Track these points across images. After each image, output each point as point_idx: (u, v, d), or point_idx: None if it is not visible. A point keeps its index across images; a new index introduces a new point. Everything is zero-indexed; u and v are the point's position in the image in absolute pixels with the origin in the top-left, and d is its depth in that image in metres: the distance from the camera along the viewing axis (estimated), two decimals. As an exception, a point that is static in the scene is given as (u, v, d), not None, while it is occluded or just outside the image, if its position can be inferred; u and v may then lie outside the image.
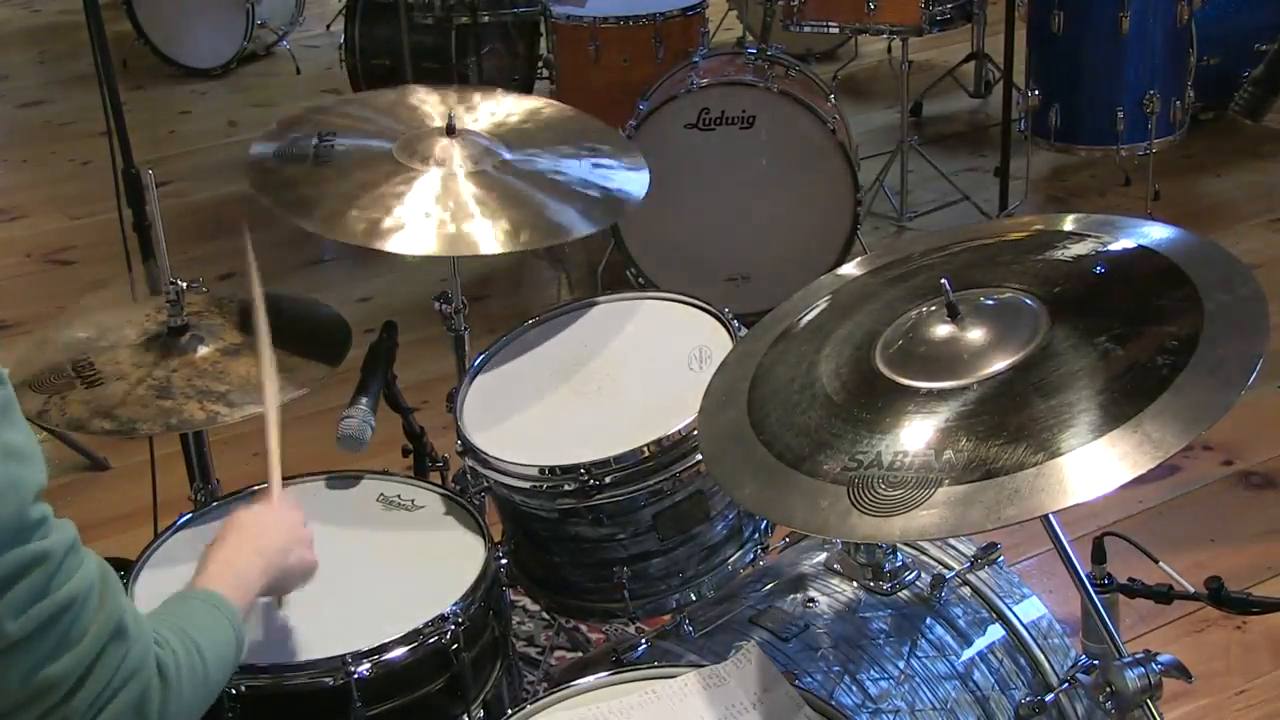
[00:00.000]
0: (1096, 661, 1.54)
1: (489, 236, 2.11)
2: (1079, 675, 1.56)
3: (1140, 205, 4.31)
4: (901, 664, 1.76)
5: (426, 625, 1.80)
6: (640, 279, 3.86)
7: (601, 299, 2.31)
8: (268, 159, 2.23)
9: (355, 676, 1.75)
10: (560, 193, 2.23)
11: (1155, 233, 1.59)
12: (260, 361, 1.86)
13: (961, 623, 1.82)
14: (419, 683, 1.82)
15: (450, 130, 2.27)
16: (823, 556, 1.93)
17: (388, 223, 2.10)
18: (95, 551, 1.27)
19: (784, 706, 1.56)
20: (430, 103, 2.43)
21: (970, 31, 5.26)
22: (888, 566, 1.85)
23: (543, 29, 4.93)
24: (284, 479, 2.07)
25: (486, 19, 4.65)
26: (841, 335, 1.62)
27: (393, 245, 2.07)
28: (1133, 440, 1.30)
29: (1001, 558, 1.91)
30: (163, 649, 1.30)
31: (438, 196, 2.16)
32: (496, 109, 2.43)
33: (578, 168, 2.30)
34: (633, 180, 2.32)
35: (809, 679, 1.70)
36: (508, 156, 2.28)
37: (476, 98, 2.46)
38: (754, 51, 3.93)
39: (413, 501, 2.07)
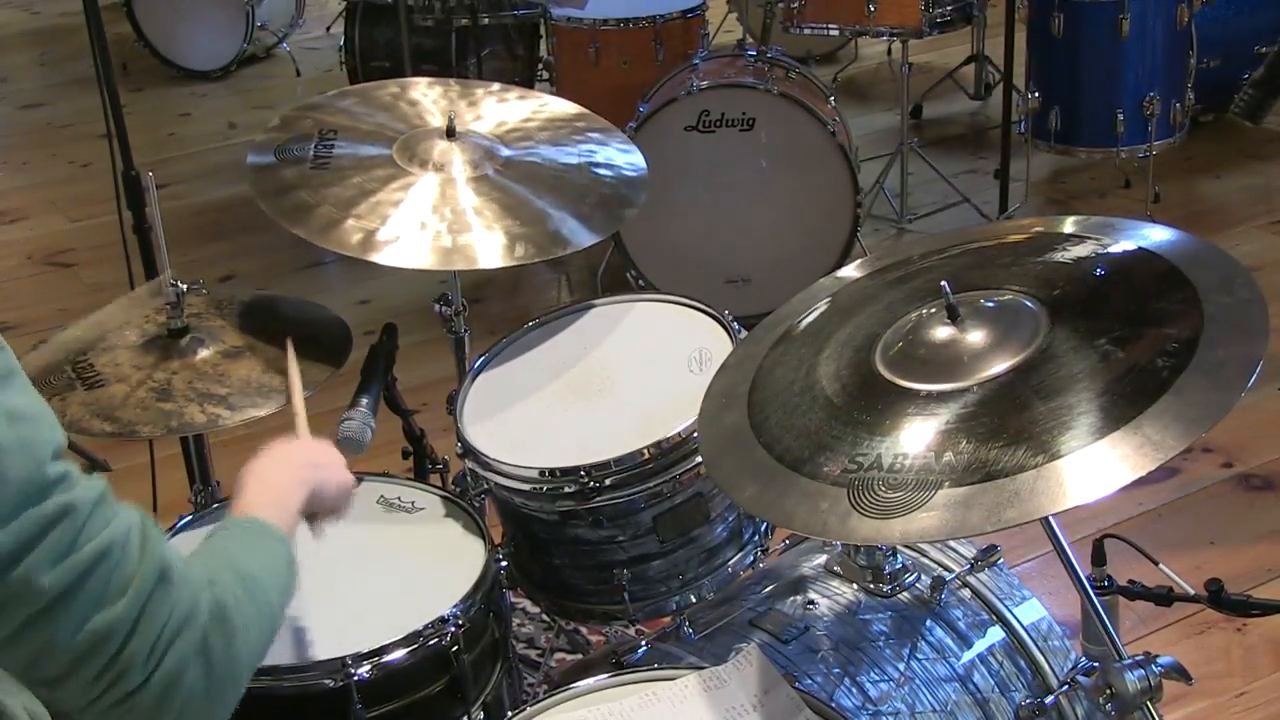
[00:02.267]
0: (1096, 664, 1.54)
1: (486, 250, 2.10)
2: (1079, 677, 1.56)
3: (1140, 207, 4.31)
4: (902, 666, 1.76)
5: (427, 627, 1.80)
6: (640, 281, 3.86)
7: (601, 301, 2.31)
8: (268, 159, 2.23)
9: (355, 678, 1.75)
10: (561, 198, 2.22)
11: (1155, 235, 1.59)
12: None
13: (962, 625, 1.82)
14: (419, 685, 1.82)
15: (450, 133, 2.27)
16: (823, 559, 1.93)
17: (384, 234, 2.08)
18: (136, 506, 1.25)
19: (784, 708, 1.56)
20: (431, 97, 2.42)
21: (970, 34, 5.26)
22: (888, 569, 1.85)
23: (543, 31, 4.93)
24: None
25: (486, 21, 4.65)
26: (841, 337, 1.62)
27: (388, 258, 2.06)
28: (1133, 442, 1.30)
29: (1001, 560, 1.91)
30: (220, 589, 1.27)
31: (435, 205, 2.15)
32: (498, 105, 2.42)
33: (578, 169, 2.30)
34: (633, 179, 2.32)
35: (809, 681, 1.70)
36: (508, 154, 2.28)
37: (479, 92, 2.45)
38: (754, 54, 3.94)
39: (413, 503, 2.07)
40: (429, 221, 2.12)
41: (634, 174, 2.34)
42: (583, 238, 2.18)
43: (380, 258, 2.07)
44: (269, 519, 1.44)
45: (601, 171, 2.32)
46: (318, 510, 1.62)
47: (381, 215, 2.12)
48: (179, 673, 1.21)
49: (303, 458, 1.61)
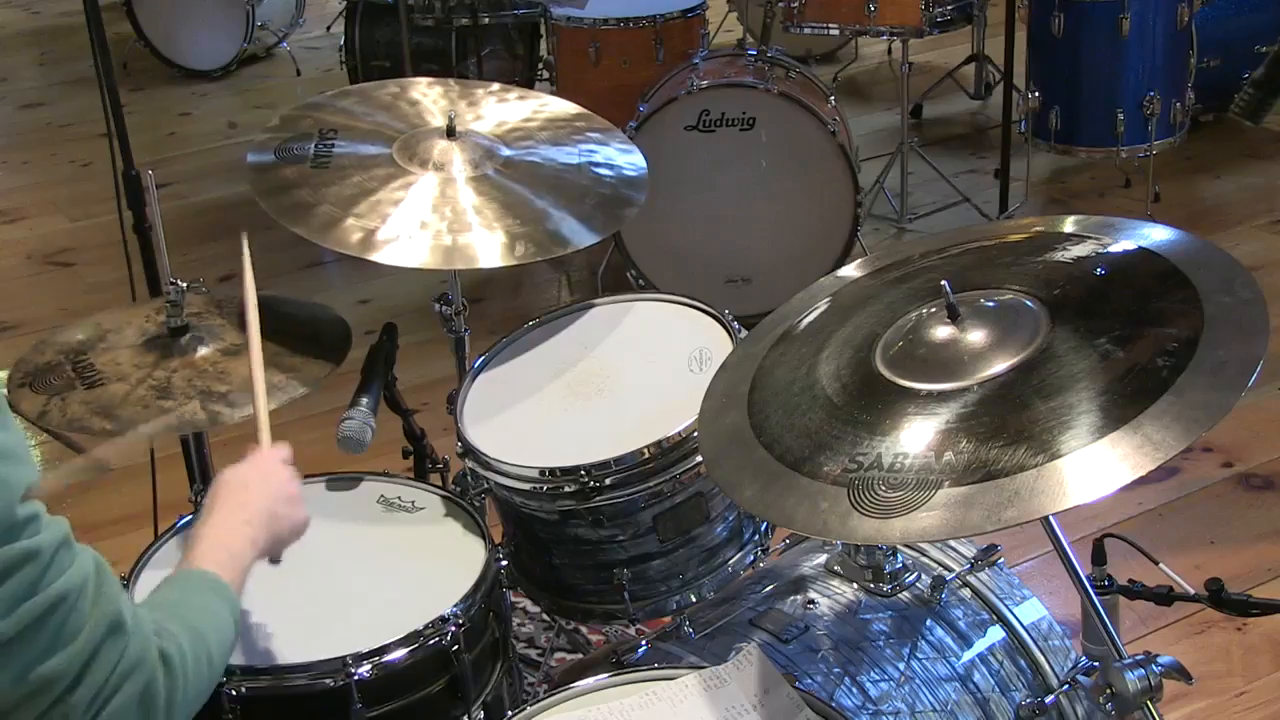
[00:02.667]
0: (1097, 663, 1.54)
1: (486, 249, 2.10)
2: (1079, 677, 1.56)
3: (1140, 207, 4.31)
4: (902, 666, 1.76)
5: (427, 627, 1.80)
6: (640, 281, 3.86)
7: (602, 301, 2.31)
8: (268, 158, 2.23)
9: (355, 678, 1.75)
10: (561, 197, 2.22)
11: (1155, 235, 1.59)
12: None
13: (962, 624, 1.82)
14: (419, 684, 1.82)
15: (450, 132, 2.27)
16: (823, 558, 1.93)
17: (384, 233, 2.09)
18: (93, 550, 1.26)
19: (784, 708, 1.56)
20: (431, 97, 2.42)
21: (970, 33, 5.26)
22: (888, 568, 1.85)
23: (543, 31, 4.93)
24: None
25: (486, 21, 4.65)
26: (842, 337, 1.62)
27: (388, 257, 2.06)
28: (1133, 442, 1.30)
29: (1002, 559, 1.91)
30: (165, 640, 1.29)
31: (435, 204, 2.15)
32: (498, 105, 2.42)
33: (578, 169, 2.30)
34: (633, 179, 2.32)
35: (809, 680, 1.70)
36: (508, 154, 2.28)
37: (479, 92, 2.45)
38: (754, 53, 3.94)
39: (413, 503, 2.07)
40: (429, 221, 2.12)
41: (634, 174, 2.34)
42: (583, 237, 2.18)
43: (380, 257, 2.06)
44: (220, 575, 1.46)
45: (601, 171, 2.32)
46: (270, 555, 1.64)
47: (381, 214, 2.12)
48: (119, 718, 1.22)
49: (257, 507, 1.60)
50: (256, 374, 1.82)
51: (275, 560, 1.66)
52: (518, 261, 2.11)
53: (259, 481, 1.64)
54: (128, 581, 1.88)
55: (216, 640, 1.38)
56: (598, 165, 2.33)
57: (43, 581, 1.17)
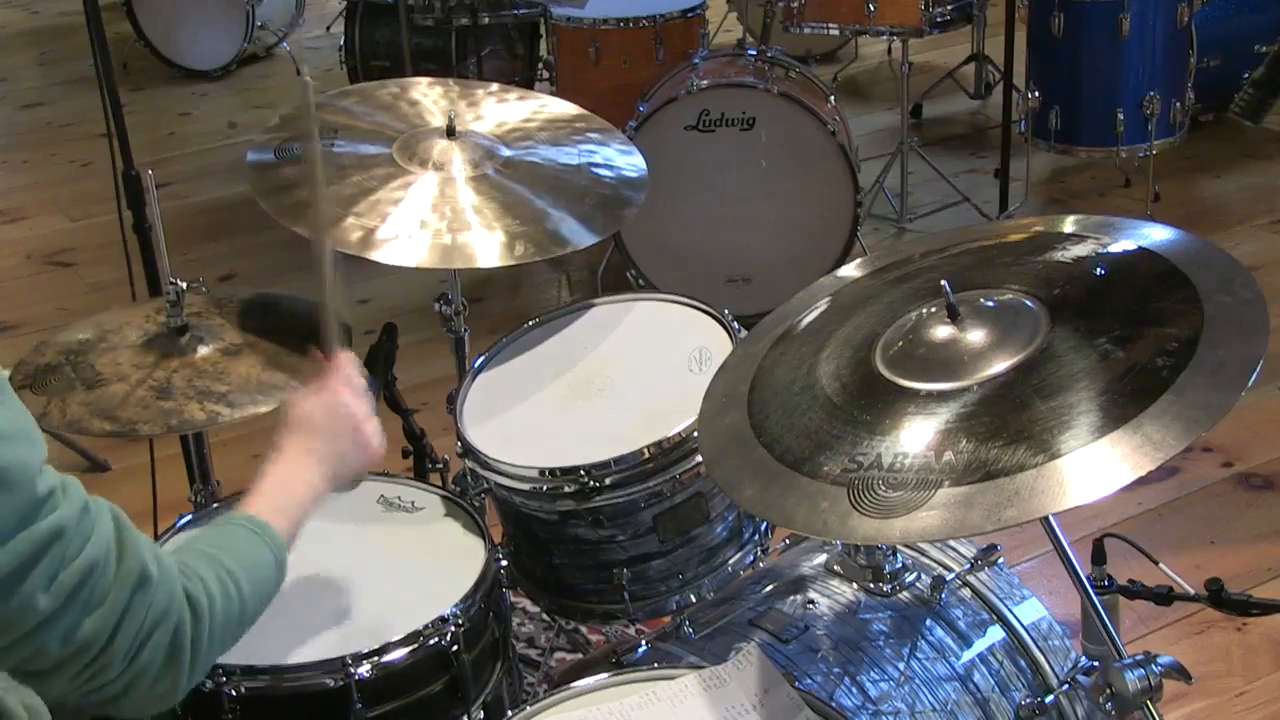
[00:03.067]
0: (1096, 663, 1.54)
1: (486, 249, 2.10)
2: (1079, 677, 1.56)
3: (1140, 207, 4.31)
4: (902, 665, 1.76)
5: (427, 626, 1.80)
6: (640, 280, 3.86)
7: (601, 300, 2.31)
8: (267, 157, 2.23)
9: (355, 677, 1.75)
10: (561, 198, 2.22)
11: (1155, 234, 1.59)
12: (314, 198, 1.81)
13: (962, 624, 1.82)
14: (419, 684, 1.82)
15: (450, 132, 2.27)
16: (823, 558, 1.93)
17: (383, 232, 2.09)
18: (109, 504, 1.30)
19: (784, 708, 1.56)
20: (431, 97, 2.42)
21: (970, 33, 5.26)
22: (888, 568, 1.85)
23: (542, 30, 4.93)
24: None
25: (486, 21, 4.65)
26: (842, 337, 1.62)
27: (387, 256, 2.07)
28: (1133, 442, 1.30)
29: (1001, 559, 1.91)
30: (191, 581, 1.33)
31: (435, 204, 2.15)
32: (498, 105, 2.42)
33: (578, 169, 2.30)
34: (633, 180, 2.32)
35: (809, 680, 1.70)
36: (508, 154, 2.28)
37: (479, 92, 2.45)
38: (754, 53, 3.94)
39: (413, 503, 2.07)
40: (429, 220, 2.12)
41: (634, 175, 2.34)
42: (582, 238, 2.18)
43: (380, 255, 2.07)
44: (275, 521, 1.49)
45: (601, 172, 2.32)
46: (339, 487, 1.65)
47: (381, 213, 2.12)
48: (150, 664, 1.29)
49: (326, 443, 1.61)
50: (325, 259, 1.78)
51: (352, 487, 1.69)
52: (517, 261, 2.11)
53: (326, 419, 1.64)
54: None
55: (249, 579, 1.40)
56: (597, 166, 2.33)
57: (69, 553, 1.22)
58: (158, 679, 1.30)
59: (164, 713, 1.42)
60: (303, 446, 1.61)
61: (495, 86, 2.50)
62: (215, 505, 2.09)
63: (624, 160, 2.36)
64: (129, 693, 1.29)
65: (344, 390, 1.68)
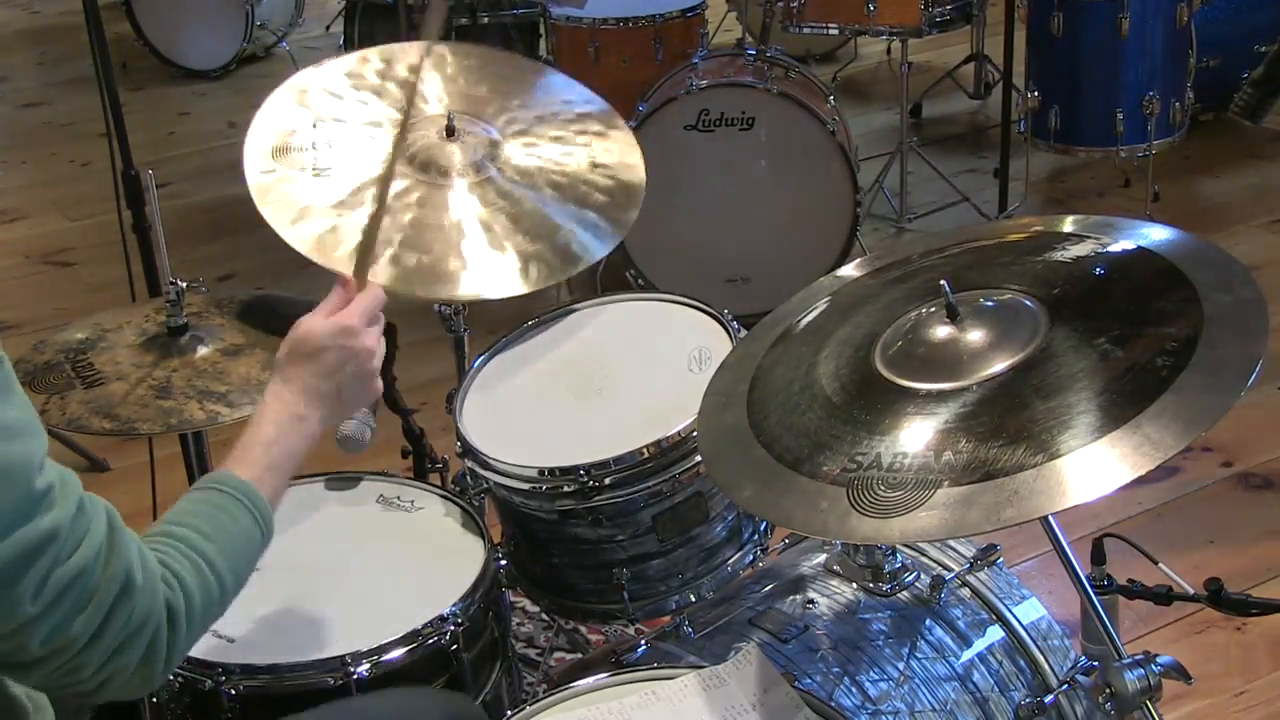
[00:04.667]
0: (1096, 663, 1.54)
1: (500, 276, 2.03)
2: (1078, 676, 1.56)
3: (1140, 207, 4.31)
4: (901, 665, 1.76)
5: (426, 626, 1.80)
6: (640, 280, 3.86)
7: (601, 300, 2.31)
8: (266, 158, 2.21)
9: (355, 677, 1.75)
10: (565, 196, 2.20)
11: (1155, 234, 1.59)
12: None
13: (961, 624, 1.82)
14: (419, 683, 1.81)
15: (450, 132, 2.25)
16: (822, 558, 1.93)
17: (409, 261, 2.01)
18: (104, 503, 1.29)
19: (784, 708, 1.56)
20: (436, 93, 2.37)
21: (970, 33, 5.25)
22: (887, 568, 1.85)
23: (542, 30, 4.93)
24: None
25: (485, 20, 4.64)
26: (841, 337, 1.62)
27: (415, 286, 2.00)
28: (1132, 441, 1.30)
29: (1001, 559, 1.91)
30: (171, 589, 1.32)
31: (442, 220, 2.07)
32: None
33: (578, 167, 2.29)
34: (632, 167, 2.29)
35: (809, 680, 1.70)
36: (509, 150, 2.26)
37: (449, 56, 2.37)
38: (753, 53, 3.93)
39: (412, 503, 2.07)
40: (431, 242, 2.04)
41: (632, 163, 2.31)
42: (596, 249, 2.12)
43: (411, 287, 1.98)
44: (264, 487, 1.46)
45: (600, 166, 2.30)
46: (332, 423, 1.62)
47: (401, 240, 2.05)
48: (126, 664, 1.29)
49: (327, 388, 1.55)
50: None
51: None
52: (533, 287, 2.04)
53: (336, 355, 1.56)
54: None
55: (230, 565, 1.39)
56: (597, 165, 2.31)
57: (63, 557, 1.22)
58: (132, 677, 1.30)
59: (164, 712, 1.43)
60: (305, 386, 1.54)
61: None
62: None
63: (619, 149, 2.32)
64: (102, 688, 1.30)
65: (363, 322, 1.60)
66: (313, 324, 1.58)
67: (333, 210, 2.03)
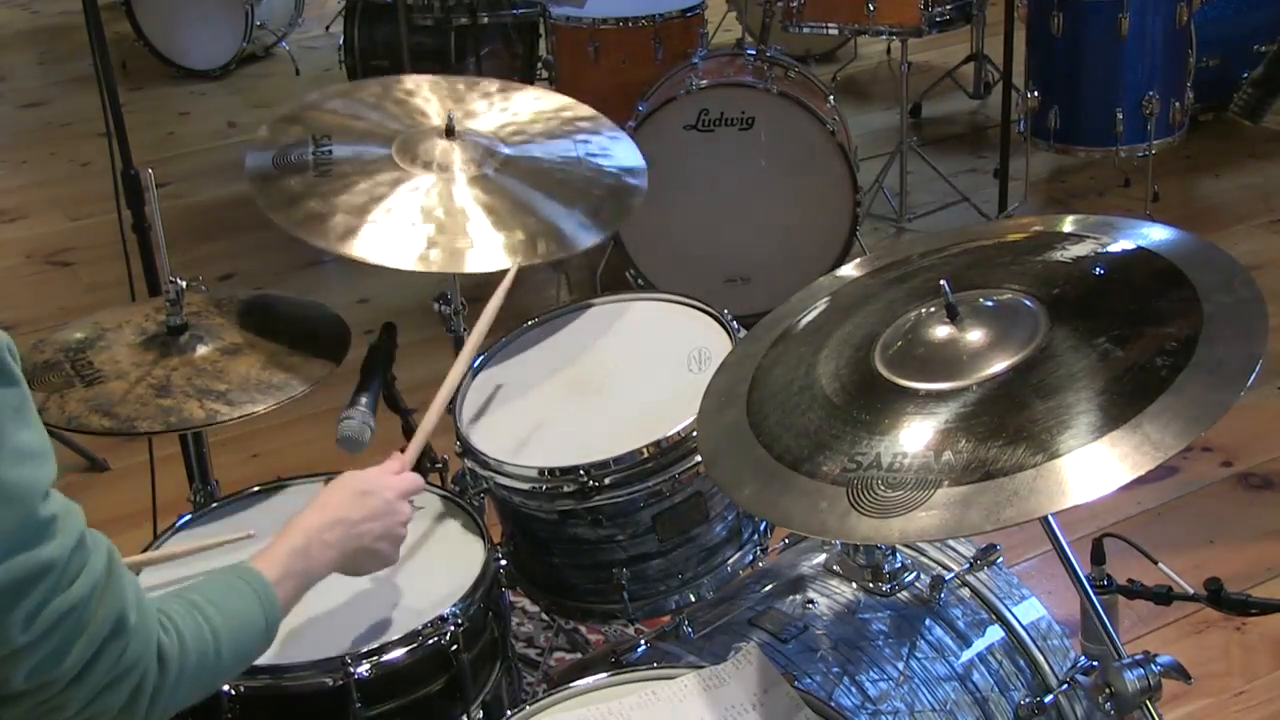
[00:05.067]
0: (1096, 663, 1.54)
1: (512, 248, 2.10)
2: (1078, 676, 1.56)
3: (1139, 206, 4.31)
4: (901, 665, 1.76)
5: (426, 626, 1.80)
6: (639, 280, 3.86)
7: (600, 300, 2.31)
8: (267, 168, 2.21)
9: (355, 677, 1.75)
10: (565, 194, 2.22)
11: (1154, 234, 1.59)
12: None
13: (961, 624, 1.82)
14: (418, 683, 1.81)
15: (450, 132, 2.26)
16: (822, 558, 1.93)
17: (406, 240, 2.07)
18: (106, 540, 1.28)
19: (784, 707, 1.56)
20: (421, 93, 2.41)
21: (970, 33, 5.26)
22: (887, 568, 1.85)
23: (542, 30, 4.93)
24: (284, 480, 2.09)
25: (486, 20, 4.65)
26: (841, 336, 1.62)
27: (417, 264, 2.07)
28: (1132, 441, 1.30)
29: (1001, 559, 1.91)
30: (167, 635, 1.31)
31: (447, 208, 2.14)
32: (490, 104, 2.41)
33: (578, 162, 2.30)
34: (633, 168, 2.31)
35: (808, 680, 1.70)
36: (507, 152, 2.27)
37: (460, 88, 2.43)
38: (753, 53, 3.94)
39: (412, 502, 2.06)
40: (443, 222, 2.11)
41: (633, 163, 2.34)
42: (592, 235, 2.17)
43: (413, 265, 2.07)
44: (279, 589, 1.48)
45: (600, 162, 2.31)
46: (345, 573, 1.68)
47: (400, 220, 2.10)
48: (109, 707, 1.26)
49: (360, 533, 1.63)
50: (448, 383, 1.89)
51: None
52: (542, 259, 2.12)
53: (379, 509, 1.67)
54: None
55: (231, 641, 1.39)
56: (595, 156, 2.32)
57: (59, 589, 1.20)
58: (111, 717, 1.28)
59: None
60: (342, 515, 1.62)
61: (484, 83, 2.48)
62: (214, 505, 2.09)
63: (618, 149, 2.36)
64: None
65: (400, 492, 1.72)
66: (365, 481, 1.69)
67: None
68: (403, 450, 1.83)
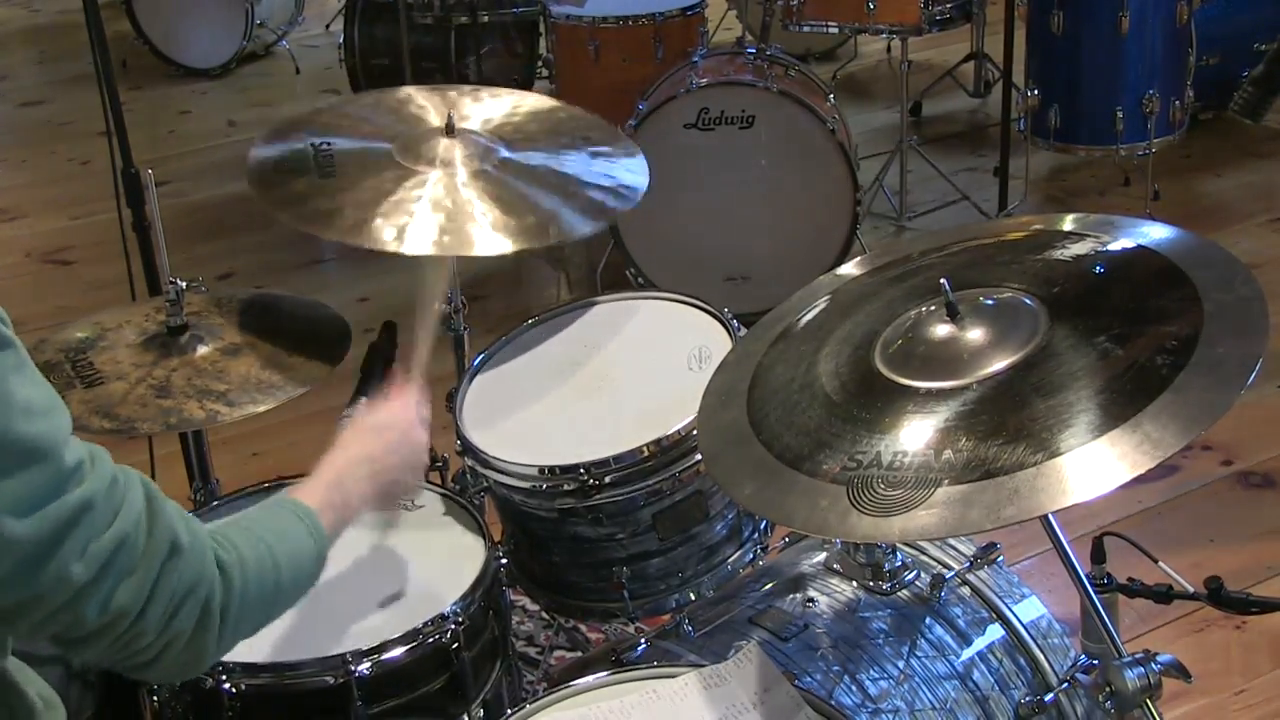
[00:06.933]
0: (1096, 661, 1.54)
1: (524, 230, 2.09)
2: (1078, 675, 1.56)
3: (1140, 205, 4.31)
4: (901, 664, 1.76)
5: (426, 625, 1.80)
6: (640, 279, 3.86)
7: (601, 299, 2.31)
8: (268, 171, 2.21)
9: (356, 675, 1.75)
10: (564, 192, 2.21)
11: (1154, 233, 1.59)
12: None
13: (961, 623, 1.82)
14: (419, 682, 1.82)
15: (450, 130, 2.26)
16: (822, 556, 1.93)
17: (416, 227, 2.07)
18: (139, 475, 1.31)
19: (784, 706, 1.57)
20: (421, 103, 2.41)
21: (970, 31, 5.26)
22: (887, 566, 1.85)
23: (542, 29, 4.93)
24: (282, 480, 2.09)
25: (486, 19, 4.65)
26: (841, 335, 1.62)
27: (429, 249, 2.06)
28: (1132, 440, 1.30)
29: (1001, 558, 1.91)
30: (224, 550, 1.34)
31: (454, 199, 2.13)
32: (490, 110, 2.41)
33: (578, 162, 2.30)
34: (635, 172, 2.31)
35: (809, 679, 1.70)
36: (507, 154, 2.27)
37: (466, 102, 2.44)
38: (753, 51, 3.93)
39: (412, 501, 2.07)
40: (451, 211, 2.11)
41: (634, 166, 2.33)
42: (595, 224, 2.18)
43: (429, 250, 2.06)
44: (322, 514, 1.50)
45: (601, 163, 2.31)
46: (376, 508, 1.68)
47: (408, 211, 2.09)
48: (181, 631, 1.30)
49: (385, 466, 1.65)
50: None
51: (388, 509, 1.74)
52: (553, 240, 2.13)
53: (398, 441, 1.69)
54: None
55: (287, 558, 1.41)
56: (597, 155, 2.32)
57: (101, 524, 1.23)
58: (188, 645, 1.31)
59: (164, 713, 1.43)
60: (367, 452, 1.63)
61: (484, 93, 2.48)
62: (215, 503, 2.09)
63: (623, 153, 2.35)
64: (160, 658, 1.31)
65: (415, 414, 1.74)
66: (384, 413, 1.72)
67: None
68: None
